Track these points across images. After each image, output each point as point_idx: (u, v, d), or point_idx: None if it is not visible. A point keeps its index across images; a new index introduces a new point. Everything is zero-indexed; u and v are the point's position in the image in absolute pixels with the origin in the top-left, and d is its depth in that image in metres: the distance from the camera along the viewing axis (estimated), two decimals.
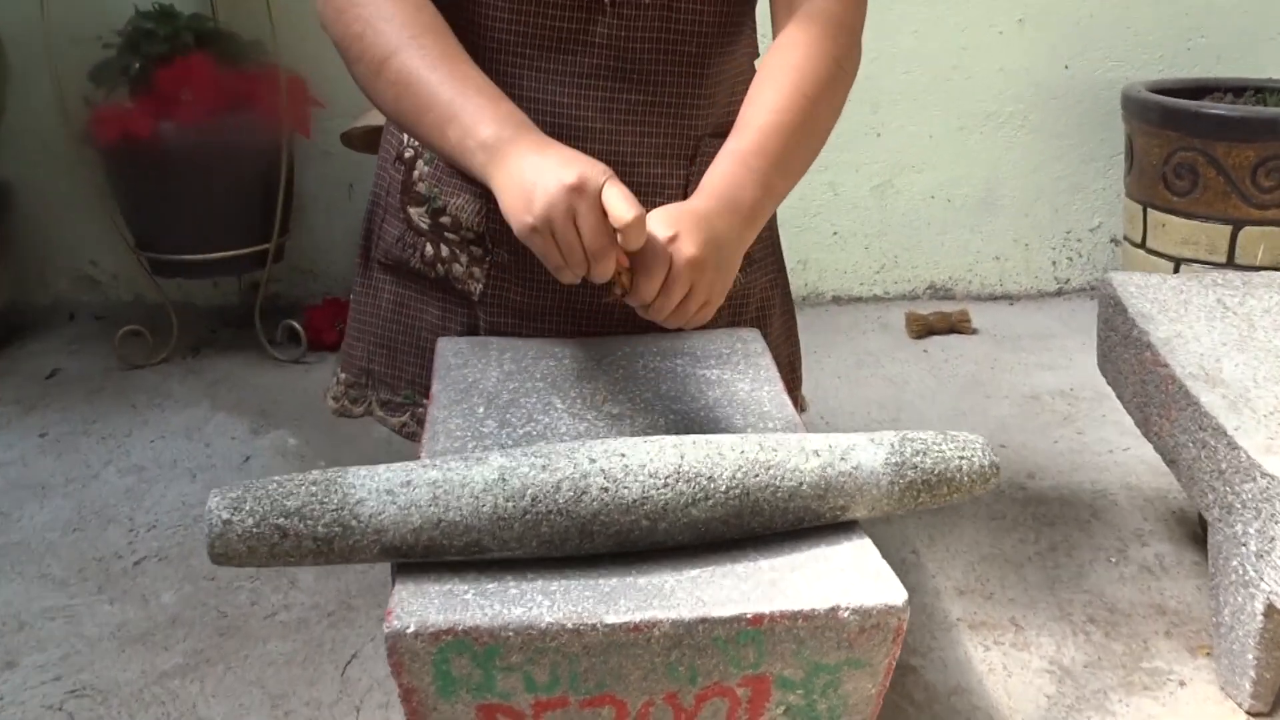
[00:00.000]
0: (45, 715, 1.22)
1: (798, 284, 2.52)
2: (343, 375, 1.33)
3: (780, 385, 1.16)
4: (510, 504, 0.81)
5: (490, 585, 0.81)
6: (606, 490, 0.82)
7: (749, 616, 0.79)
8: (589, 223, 0.88)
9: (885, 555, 0.85)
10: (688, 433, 1.06)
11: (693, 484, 0.83)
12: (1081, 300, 2.54)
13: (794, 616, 0.79)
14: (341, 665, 1.30)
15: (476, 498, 0.80)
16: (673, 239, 0.91)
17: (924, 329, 2.32)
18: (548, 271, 1.16)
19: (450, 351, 1.22)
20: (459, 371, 1.17)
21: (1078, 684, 1.26)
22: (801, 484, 0.86)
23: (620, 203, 0.87)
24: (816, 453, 0.87)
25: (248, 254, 2.17)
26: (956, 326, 2.34)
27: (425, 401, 1.22)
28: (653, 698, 0.82)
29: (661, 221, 0.92)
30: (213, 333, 2.35)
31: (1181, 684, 1.26)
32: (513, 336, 1.23)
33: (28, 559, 1.53)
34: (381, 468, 0.83)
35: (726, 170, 0.98)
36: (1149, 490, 1.70)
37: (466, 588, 0.81)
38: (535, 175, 0.90)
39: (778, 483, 0.85)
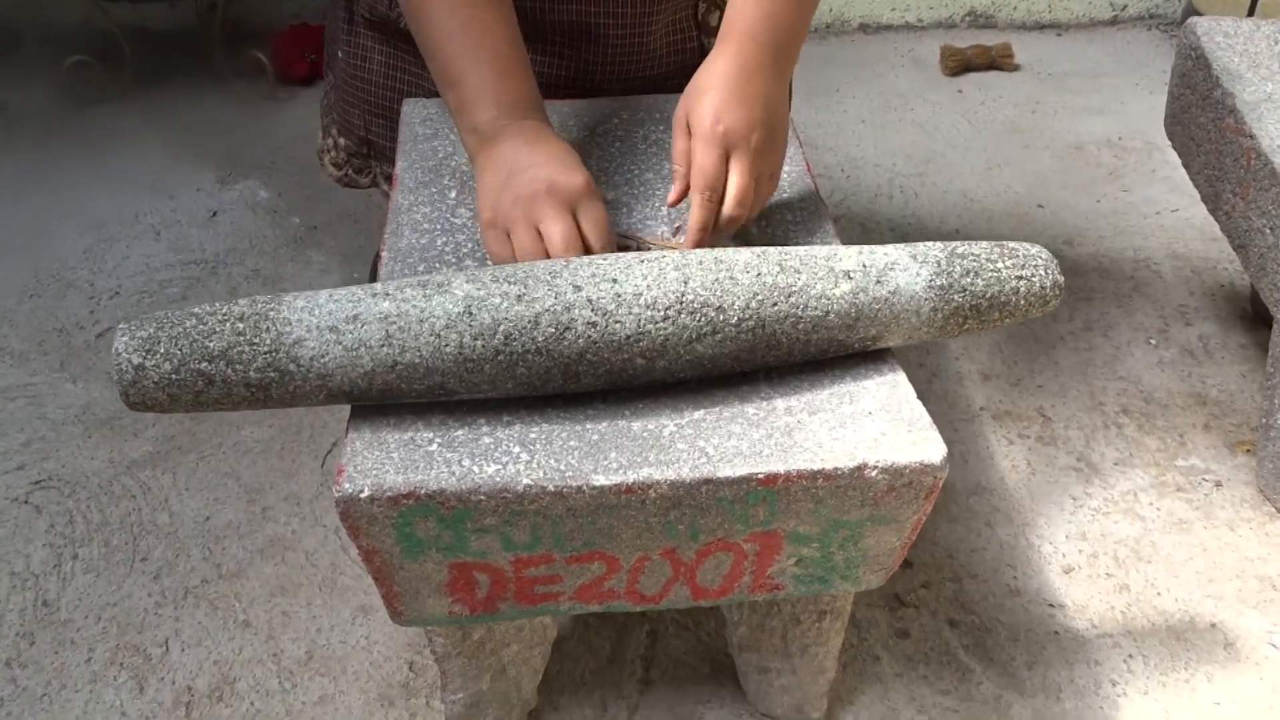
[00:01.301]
0: (10, 509, 1.15)
1: (820, 9, 2.24)
2: (342, 141, 1.17)
3: (804, 163, 1.00)
4: (479, 343, 0.67)
5: (459, 432, 0.70)
6: (594, 325, 0.68)
7: (760, 477, 0.67)
8: (555, 229, 0.75)
9: None
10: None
11: (698, 316, 0.70)
12: (1138, 31, 2.27)
13: (813, 476, 0.68)
14: (321, 455, 1.22)
15: (438, 335, 0.67)
16: (692, 113, 0.77)
17: (960, 65, 2.09)
18: (557, 35, 0.98)
19: (418, 118, 1.04)
20: (428, 144, 1.00)
21: (1106, 484, 1.18)
22: (828, 313, 0.72)
23: (594, 232, 0.76)
24: (848, 274, 0.73)
25: None
26: (997, 62, 2.09)
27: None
28: (648, 553, 0.73)
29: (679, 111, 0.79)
30: (170, 63, 2.12)
31: (1218, 484, 1.18)
32: None
33: None
34: (323, 296, 0.69)
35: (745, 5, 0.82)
36: (1197, 260, 1.56)
37: (431, 435, 0.69)
38: (510, 171, 0.78)
39: (800, 312, 0.71)
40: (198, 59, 2.08)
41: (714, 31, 1.03)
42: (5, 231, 1.62)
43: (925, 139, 1.88)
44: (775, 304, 0.71)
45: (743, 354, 0.72)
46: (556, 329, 0.68)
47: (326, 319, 0.67)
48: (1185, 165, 1.27)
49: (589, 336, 0.68)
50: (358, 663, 0.99)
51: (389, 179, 1.17)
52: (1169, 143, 1.34)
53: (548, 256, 0.75)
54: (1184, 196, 1.69)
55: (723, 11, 1.03)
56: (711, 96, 0.77)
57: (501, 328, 0.68)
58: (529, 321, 0.68)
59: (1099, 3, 2.28)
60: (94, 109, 1.96)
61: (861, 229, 1.63)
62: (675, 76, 1.05)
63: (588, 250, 0.76)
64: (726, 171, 0.77)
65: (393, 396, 0.70)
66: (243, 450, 1.22)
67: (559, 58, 1.02)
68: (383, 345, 0.67)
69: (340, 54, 1.11)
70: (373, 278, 1.39)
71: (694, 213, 0.77)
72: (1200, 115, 1.23)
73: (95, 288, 1.51)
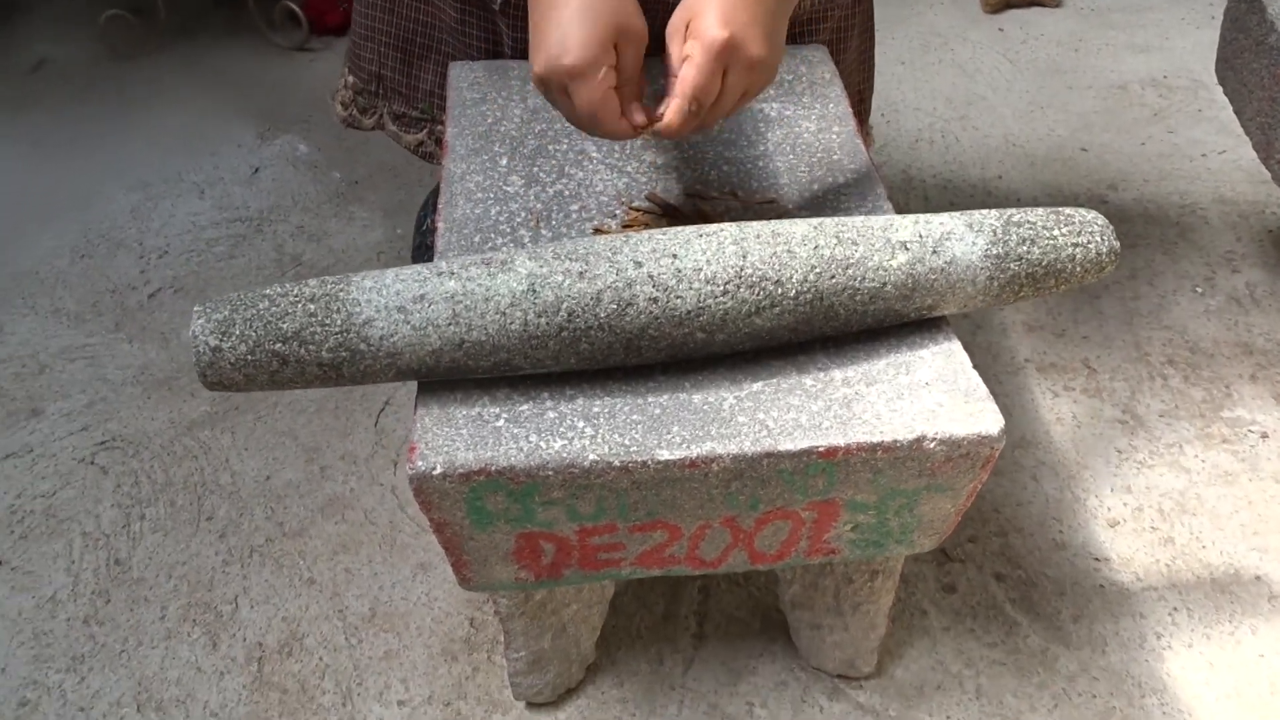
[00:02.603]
0: (78, 469, 1.19)
1: None
2: (350, 79, 1.17)
3: (852, 123, 0.99)
4: (543, 320, 0.69)
5: (524, 407, 0.72)
6: (656, 301, 0.70)
7: (821, 450, 0.69)
8: (583, 98, 0.73)
9: None
10: (744, 187, 0.92)
11: (757, 289, 0.71)
12: None
13: (872, 449, 0.69)
14: (374, 414, 1.24)
15: (503, 314, 0.69)
16: (695, 20, 0.73)
17: (1001, 1, 2.05)
18: None
19: (465, 82, 1.05)
20: (476, 109, 1.01)
21: (1151, 436, 1.19)
22: (885, 284, 0.73)
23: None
24: (905, 245, 0.73)
25: None
26: None
27: (445, 118, 1.07)
28: (709, 522, 0.75)
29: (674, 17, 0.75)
30: (204, 16, 2.11)
31: (1264, 436, 1.18)
32: None
33: (39, 290, 1.46)
34: (390, 275, 0.71)
35: None
36: (1244, 204, 1.54)
37: (498, 410, 0.71)
38: (559, 17, 0.72)
39: (857, 285, 0.72)
40: (231, 10, 2.08)
41: None
42: (53, 191, 1.64)
43: (966, 80, 1.86)
44: (833, 276, 0.72)
45: (800, 326, 0.73)
46: (619, 305, 0.69)
47: (394, 299, 0.69)
48: (1237, 112, 1.25)
49: (650, 312, 0.70)
50: (420, 619, 1.02)
51: (398, 118, 1.16)
52: (1216, 81, 1.32)
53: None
54: (1231, 137, 1.66)
55: None
56: (715, 5, 0.73)
57: (565, 305, 0.69)
58: (591, 298, 0.69)
59: None
60: (131, 63, 1.97)
61: (904, 176, 1.62)
62: None
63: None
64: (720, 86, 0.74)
65: (460, 373, 0.71)
66: (298, 410, 1.25)
67: None
68: (450, 324, 0.69)
69: None
70: (418, 233, 1.40)
71: (671, 117, 0.74)
72: (1254, 61, 1.20)
73: (144, 247, 1.53)
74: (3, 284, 1.46)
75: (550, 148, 0.96)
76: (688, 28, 0.74)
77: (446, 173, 0.93)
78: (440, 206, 0.90)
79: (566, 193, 0.91)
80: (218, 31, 2.05)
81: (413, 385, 1.25)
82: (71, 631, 1.02)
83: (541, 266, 0.70)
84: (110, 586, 1.06)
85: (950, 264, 0.73)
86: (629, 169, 0.94)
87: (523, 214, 0.88)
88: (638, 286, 0.70)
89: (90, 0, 2.13)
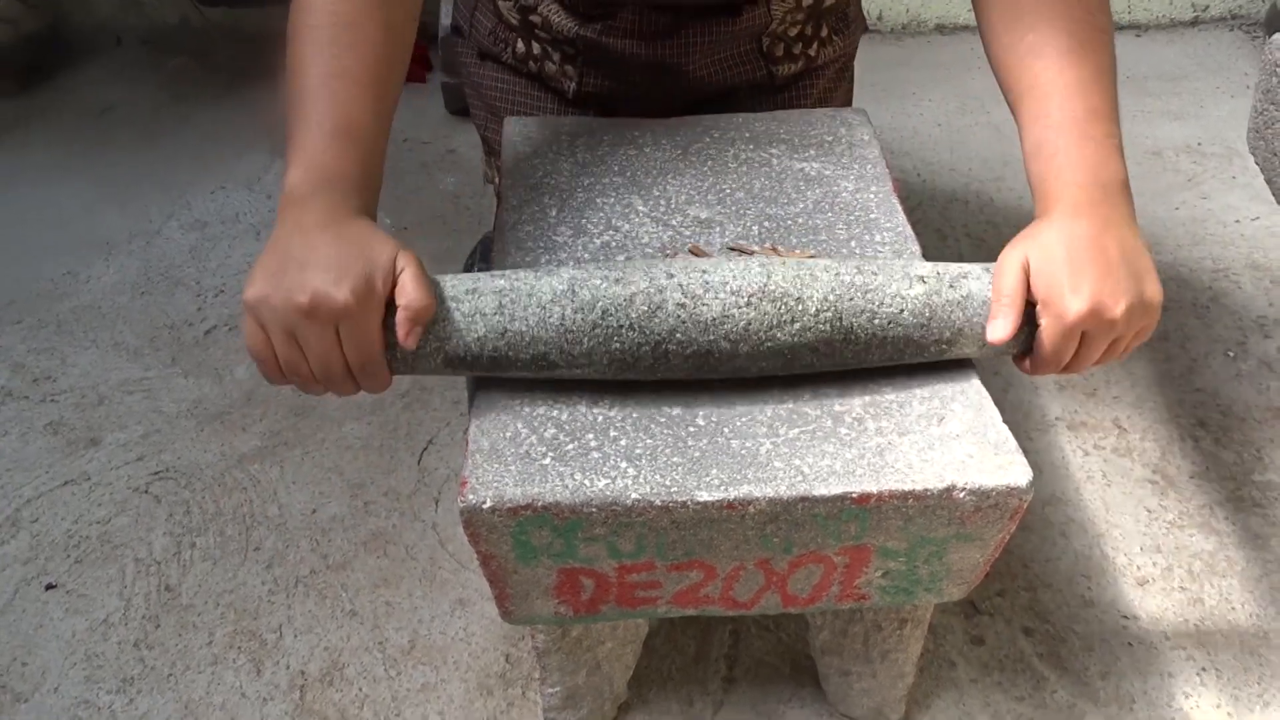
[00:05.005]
0: (133, 498, 1.23)
1: (896, 11, 2.26)
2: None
3: (890, 184, 1.03)
4: (579, 316, 0.74)
5: (570, 447, 0.75)
6: (683, 306, 0.74)
7: (854, 496, 0.72)
8: (312, 348, 0.70)
9: None
10: (784, 242, 0.95)
11: (779, 305, 0.75)
12: (1219, 32, 2.25)
13: (903, 496, 0.72)
14: (418, 452, 1.28)
15: (544, 308, 0.74)
16: (1050, 288, 0.72)
17: None
18: (650, 70, 1.04)
19: (519, 137, 1.09)
20: (528, 163, 1.05)
21: (1181, 497, 1.20)
22: (903, 310, 0.76)
23: (353, 353, 0.70)
24: (922, 279, 0.77)
25: None
26: None
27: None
28: (744, 563, 0.77)
29: (1012, 266, 0.74)
30: (264, 65, 2.20)
31: None
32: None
33: (100, 324, 1.52)
34: (448, 277, 0.76)
35: (1070, 152, 0.81)
36: (1277, 269, 1.56)
37: (544, 450, 0.75)
38: (284, 259, 0.70)
39: (875, 308, 0.76)
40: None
41: (779, 60, 1.09)
42: (116, 229, 1.71)
43: (1001, 145, 1.89)
44: (852, 299, 0.75)
45: (821, 345, 0.75)
46: (649, 307, 0.74)
47: (450, 291, 0.74)
48: (1268, 181, 1.28)
49: (678, 315, 0.74)
50: (457, 653, 1.05)
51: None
52: (1249, 149, 1.35)
53: (308, 364, 0.71)
54: (1264, 204, 1.68)
55: (786, 45, 1.08)
56: (1067, 270, 0.72)
57: (600, 303, 0.74)
58: (625, 299, 0.74)
59: (1180, 2, 2.26)
60: (194, 109, 2.05)
61: (937, 234, 1.65)
62: (741, 93, 1.11)
63: (348, 367, 0.71)
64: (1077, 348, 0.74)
65: (501, 368, 0.75)
66: (344, 446, 1.29)
67: (640, 86, 1.08)
68: (495, 314, 0.74)
69: (469, 66, 1.18)
70: None
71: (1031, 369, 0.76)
72: None
73: (201, 285, 1.59)
74: (66, 318, 1.53)
75: (598, 200, 1.00)
76: (1027, 274, 0.74)
77: (499, 221, 0.98)
78: (494, 255, 0.94)
79: (613, 244, 0.95)
80: (277, 81, 2.13)
81: (457, 426, 1.29)
82: (122, 654, 1.06)
83: (582, 273, 0.76)
84: (160, 612, 1.10)
85: (967, 298, 0.77)
86: (673, 223, 0.98)
87: (570, 262, 0.92)
88: (668, 293, 0.74)
89: (155, 48, 2.23)
